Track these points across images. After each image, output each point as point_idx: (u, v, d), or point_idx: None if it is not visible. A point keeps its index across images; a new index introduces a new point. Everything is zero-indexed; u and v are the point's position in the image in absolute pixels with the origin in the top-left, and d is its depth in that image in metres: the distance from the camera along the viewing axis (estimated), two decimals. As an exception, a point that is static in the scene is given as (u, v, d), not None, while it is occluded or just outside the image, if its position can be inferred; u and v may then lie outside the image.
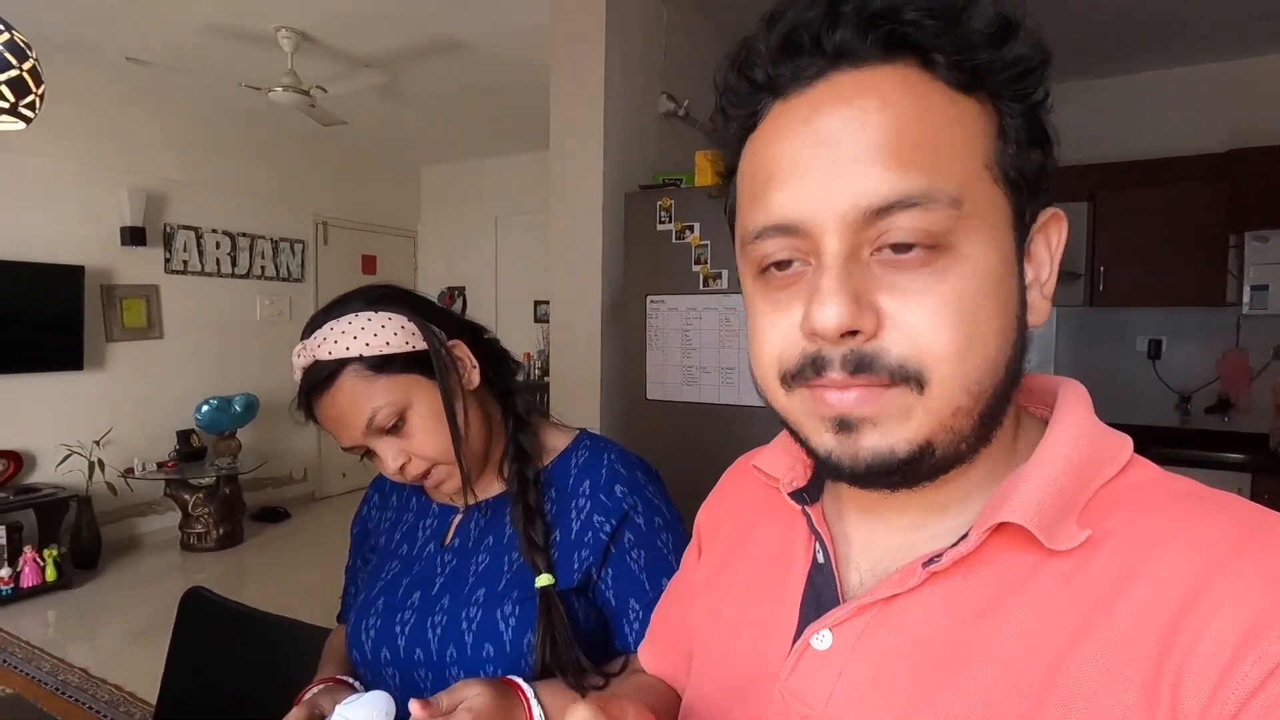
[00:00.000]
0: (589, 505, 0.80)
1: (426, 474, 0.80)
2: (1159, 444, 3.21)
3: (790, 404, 0.40)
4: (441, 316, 0.83)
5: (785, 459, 0.51)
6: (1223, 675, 0.31)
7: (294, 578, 3.73)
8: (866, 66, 0.36)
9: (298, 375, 0.78)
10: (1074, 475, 0.39)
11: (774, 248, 0.38)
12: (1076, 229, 3.45)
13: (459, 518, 0.86)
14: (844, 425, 0.37)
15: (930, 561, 0.40)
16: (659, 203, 2.25)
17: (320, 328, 0.77)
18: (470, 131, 4.84)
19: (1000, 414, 0.40)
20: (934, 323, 0.35)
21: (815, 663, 0.43)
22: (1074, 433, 0.40)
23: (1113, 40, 3.26)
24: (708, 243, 2.17)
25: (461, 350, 0.82)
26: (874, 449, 0.37)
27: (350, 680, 0.82)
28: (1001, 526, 0.38)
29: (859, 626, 0.42)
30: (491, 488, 0.86)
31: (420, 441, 0.77)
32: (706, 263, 2.17)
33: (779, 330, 0.39)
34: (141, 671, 2.67)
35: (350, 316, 0.77)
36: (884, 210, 0.35)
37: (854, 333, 0.36)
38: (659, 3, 2.67)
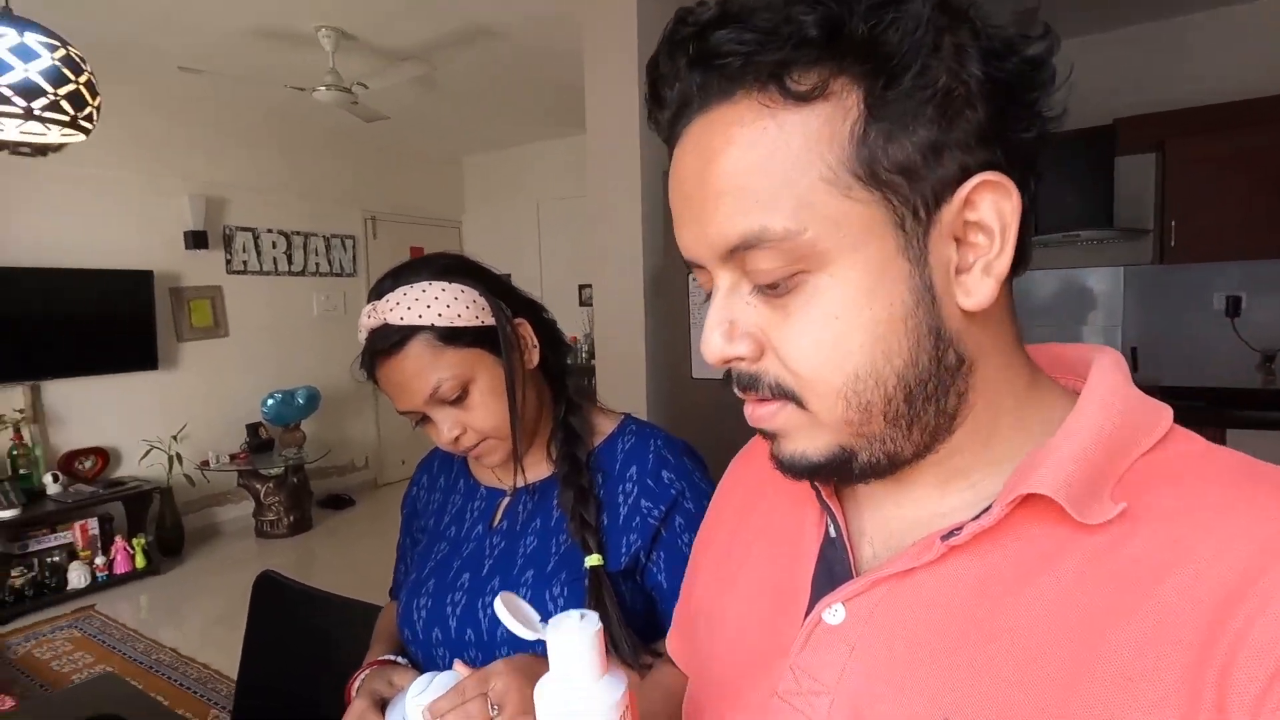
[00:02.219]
0: (636, 490, 0.81)
1: (476, 445, 0.81)
2: (1240, 406, 3.03)
3: None
4: (508, 293, 0.84)
5: None
6: None
7: (360, 561, 3.89)
8: (714, 107, 0.37)
9: (363, 335, 0.79)
10: (1106, 445, 0.37)
11: (700, 278, 0.42)
12: (1142, 182, 3.25)
13: (506, 500, 0.88)
14: (765, 433, 0.42)
15: (950, 535, 0.38)
16: (697, 179, 2.22)
17: (392, 292, 0.78)
18: (508, 119, 4.86)
19: (936, 411, 0.38)
20: (798, 350, 0.37)
21: (827, 638, 0.41)
22: (1105, 402, 0.38)
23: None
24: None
25: (525, 329, 0.83)
26: (790, 454, 0.40)
27: (397, 659, 0.84)
28: (1027, 499, 0.36)
29: (873, 600, 0.40)
30: (539, 469, 0.87)
31: (479, 415, 0.79)
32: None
33: None
34: (225, 652, 2.82)
35: (424, 284, 0.77)
36: (737, 249, 0.37)
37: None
38: (690, -27, 2.62)
